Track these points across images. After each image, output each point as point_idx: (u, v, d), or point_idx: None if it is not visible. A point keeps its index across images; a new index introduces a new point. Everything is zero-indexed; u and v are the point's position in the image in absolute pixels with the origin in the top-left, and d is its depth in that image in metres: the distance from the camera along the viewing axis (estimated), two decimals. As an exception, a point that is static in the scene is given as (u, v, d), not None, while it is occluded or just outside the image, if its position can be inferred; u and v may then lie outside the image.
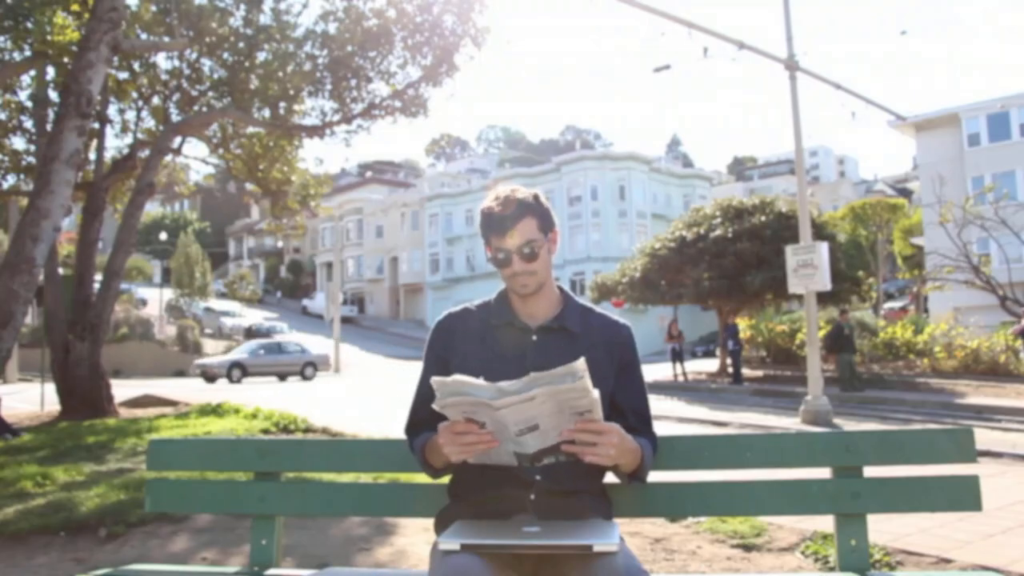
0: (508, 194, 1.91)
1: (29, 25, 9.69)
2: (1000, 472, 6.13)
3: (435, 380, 1.63)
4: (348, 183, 71.16)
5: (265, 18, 12.69)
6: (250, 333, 38.23)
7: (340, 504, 2.27)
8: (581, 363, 1.57)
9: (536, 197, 1.93)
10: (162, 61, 13.05)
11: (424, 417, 1.97)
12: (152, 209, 62.84)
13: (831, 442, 2.10)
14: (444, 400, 1.62)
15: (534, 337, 1.94)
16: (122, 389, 13.59)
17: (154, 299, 41.46)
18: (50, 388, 11.36)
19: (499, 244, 1.90)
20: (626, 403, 1.97)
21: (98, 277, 11.39)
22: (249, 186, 15.39)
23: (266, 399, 12.00)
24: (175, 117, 12.86)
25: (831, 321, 19.63)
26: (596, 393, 1.62)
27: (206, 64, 12.92)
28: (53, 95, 11.11)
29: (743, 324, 21.92)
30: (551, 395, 1.59)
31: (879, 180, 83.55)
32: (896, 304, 40.39)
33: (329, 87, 12.58)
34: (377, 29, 11.90)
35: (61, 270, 11.72)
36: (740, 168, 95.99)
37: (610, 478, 1.98)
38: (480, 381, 1.62)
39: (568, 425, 1.65)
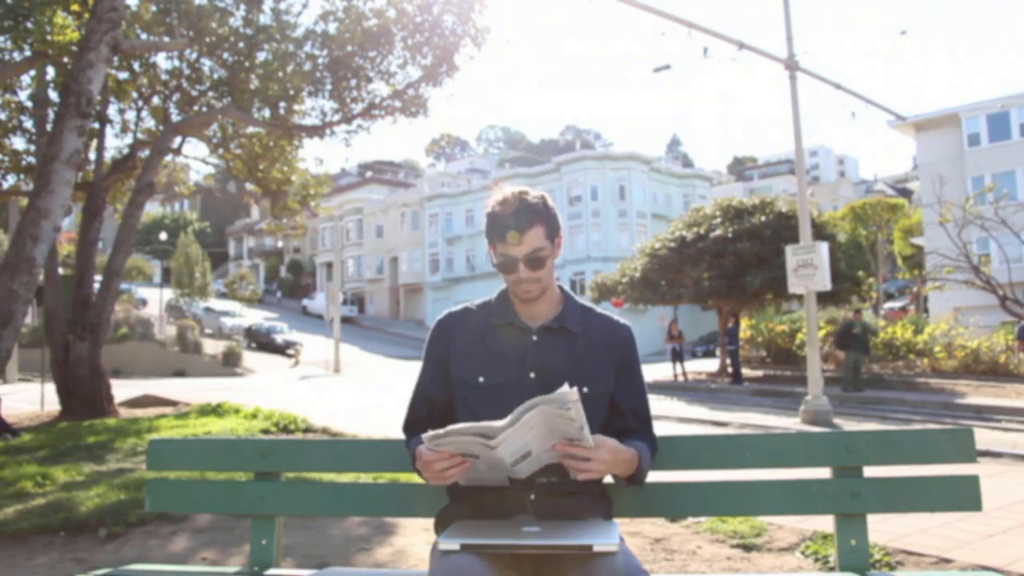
0: (517, 198, 1.87)
1: (29, 25, 9.69)
2: (1000, 472, 6.13)
3: (428, 436, 1.64)
4: (348, 183, 71.13)
5: (265, 18, 12.69)
6: (250, 333, 38.20)
7: (340, 504, 2.27)
8: (573, 393, 1.57)
9: (545, 201, 1.90)
10: (162, 61, 13.05)
11: (422, 416, 1.97)
12: (152, 209, 62.86)
13: (831, 442, 2.10)
14: (441, 441, 1.64)
15: (534, 337, 1.94)
16: (122, 389, 13.59)
17: (154, 299, 41.47)
18: (50, 388, 11.35)
19: (505, 250, 1.88)
20: (625, 403, 1.97)
21: (98, 277, 11.39)
22: (249, 186, 15.38)
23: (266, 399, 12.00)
24: (175, 117, 12.85)
25: (832, 320, 19.66)
26: (585, 423, 1.63)
27: (206, 64, 12.91)
28: (53, 95, 11.10)
29: (743, 324, 21.91)
30: (542, 418, 1.59)
31: (879, 180, 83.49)
32: (896, 304, 40.42)
33: (329, 87, 12.57)
34: (377, 29, 11.89)
35: (61, 270, 11.70)
36: (740, 168, 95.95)
37: (610, 478, 1.98)
38: (476, 424, 1.62)
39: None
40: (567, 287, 2.07)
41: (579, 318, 1.98)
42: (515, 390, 1.85)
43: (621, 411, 1.97)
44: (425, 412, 1.97)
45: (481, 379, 1.89)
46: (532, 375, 1.88)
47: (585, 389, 1.87)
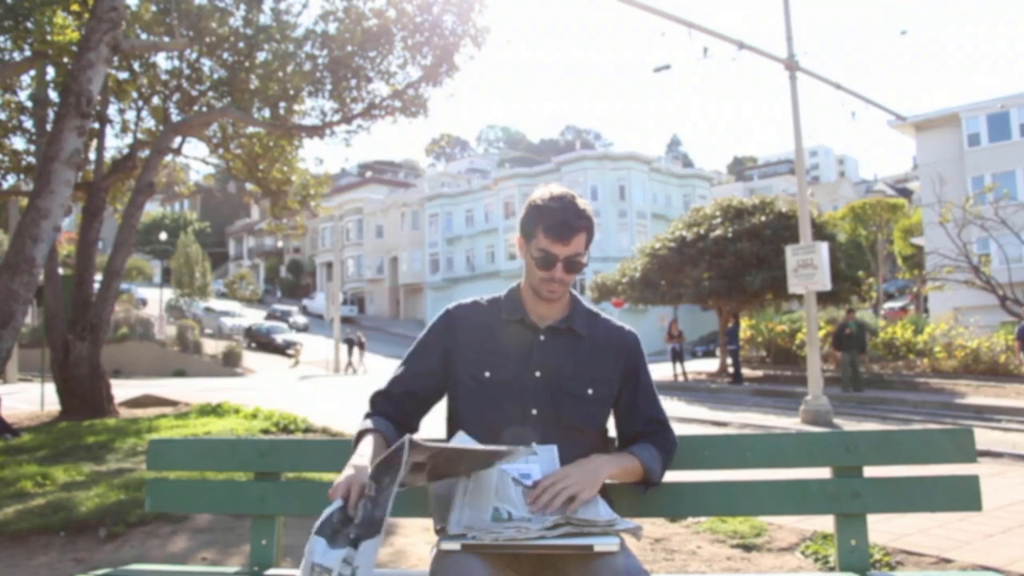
0: (571, 198, 1.88)
1: (29, 25, 9.68)
2: (1000, 472, 6.13)
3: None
4: (348, 183, 71.12)
5: (265, 18, 12.68)
6: (250, 333, 38.21)
7: (340, 504, 2.26)
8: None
9: (589, 210, 1.92)
10: (162, 61, 13.05)
11: (397, 393, 1.95)
12: (152, 209, 62.85)
13: (831, 442, 2.10)
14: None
15: (541, 336, 1.95)
16: (122, 389, 13.59)
17: (154, 299, 41.47)
18: (50, 388, 11.35)
19: (548, 247, 1.86)
20: (641, 410, 1.99)
21: (98, 277, 11.38)
22: (249, 186, 15.37)
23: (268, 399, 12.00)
24: (175, 117, 12.84)
25: (832, 320, 19.66)
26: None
27: (206, 64, 12.90)
28: (53, 95, 11.10)
29: (743, 324, 21.91)
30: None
31: (879, 180, 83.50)
32: (896, 304, 40.41)
33: (329, 87, 12.56)
34: (377, 29, 11.89)
35: (61, 270, 11.69)
36: (740, 168, 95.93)
37: (609, 480, 1.98)
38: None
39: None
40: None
41: (586, 321, 2.00)
42: (520, 387, 1.88)
43: (637, 418, 1.98)
44: (400, 389, 1.93)
45: (487, 374, 1.90)
46: (537, 373, 1.90)
47: (590, 391, 1.91)
